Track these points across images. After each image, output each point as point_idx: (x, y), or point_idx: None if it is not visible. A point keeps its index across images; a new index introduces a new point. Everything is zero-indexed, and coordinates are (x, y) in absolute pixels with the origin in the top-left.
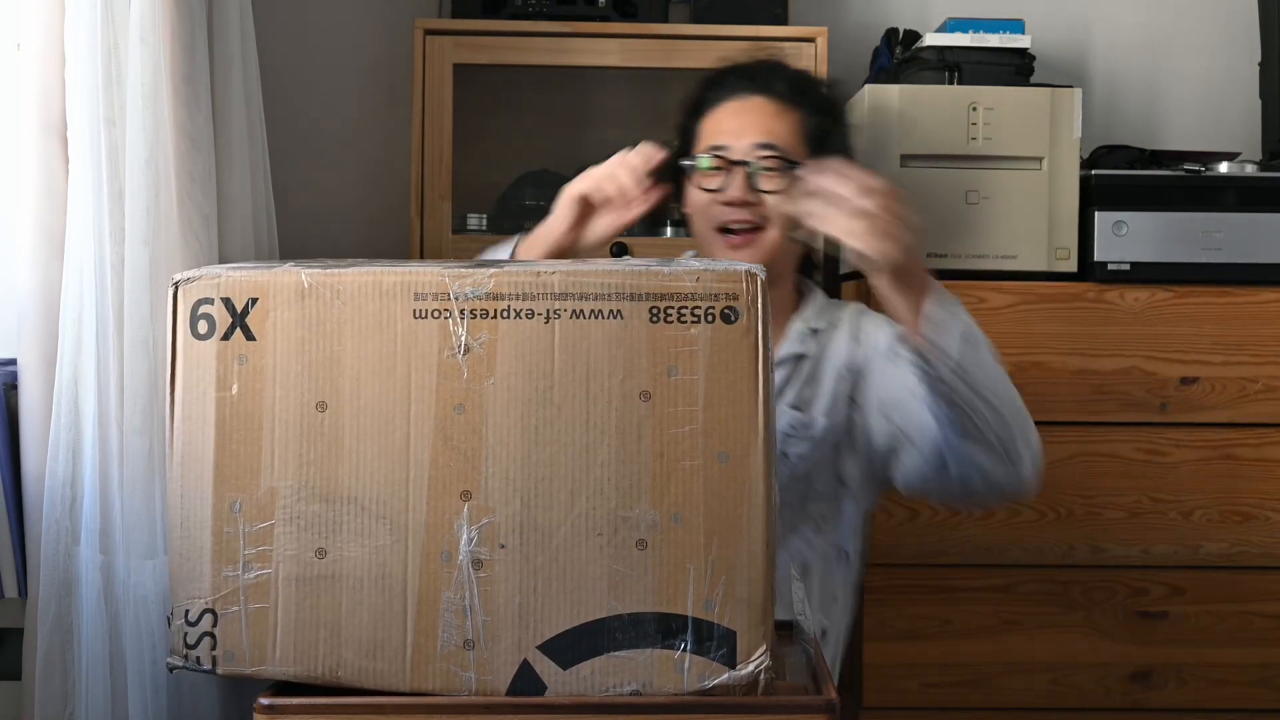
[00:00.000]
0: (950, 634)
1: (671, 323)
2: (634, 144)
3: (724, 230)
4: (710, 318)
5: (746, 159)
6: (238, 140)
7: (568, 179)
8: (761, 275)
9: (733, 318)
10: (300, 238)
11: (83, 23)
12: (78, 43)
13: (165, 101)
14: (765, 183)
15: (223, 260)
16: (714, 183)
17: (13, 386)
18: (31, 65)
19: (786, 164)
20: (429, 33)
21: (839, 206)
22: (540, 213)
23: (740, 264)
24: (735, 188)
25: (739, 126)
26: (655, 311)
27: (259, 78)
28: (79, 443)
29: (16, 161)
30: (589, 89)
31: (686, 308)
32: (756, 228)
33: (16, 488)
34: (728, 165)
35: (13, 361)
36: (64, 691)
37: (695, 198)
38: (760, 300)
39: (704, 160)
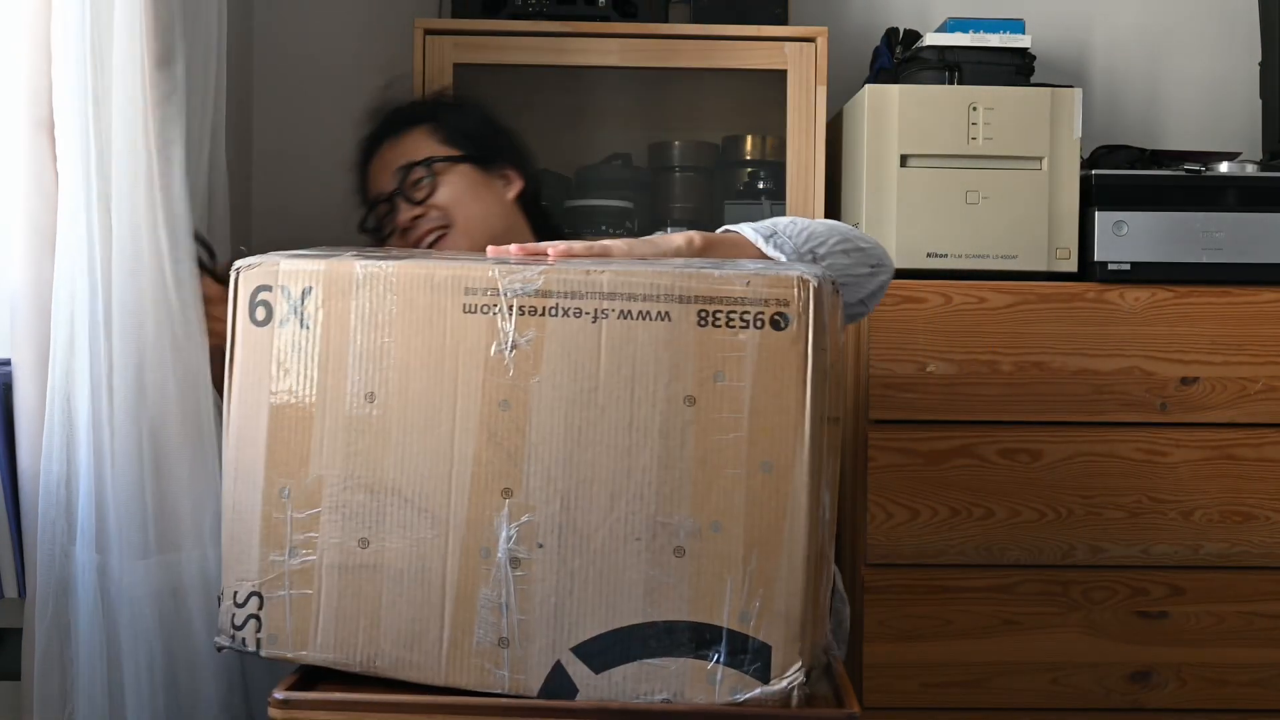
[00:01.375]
0: (950, 634)
1: (720, 327)
2: (635, 144)
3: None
4: (760, 323)
5: (401, 190)
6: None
7: (568, 179)
8: (814, 282)
9: (783, 324)
10: (301, 238)
11: (70, 17)
12: (66, 36)
13: (147, 96)
14: (416, 193)
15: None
16: (390, 226)
17: (8, 386)
18: (21, 61)
19: (422, 166)
20: (429, 33)
21: None
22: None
23: (793, 270)
24: (401, 215)
25: (379, 175)
26: (704, 315)
27: (225, 63)
28: (73, 442)
29: (7, 159)
30: (589, 89)
31: (735, 312)
32: (443, 229)
33: (13, 488)
34: (386, 204)
35: (7, 362)
36: (62, 691)
37: (394, 245)
38: (812, 308)
39: (370, 218)
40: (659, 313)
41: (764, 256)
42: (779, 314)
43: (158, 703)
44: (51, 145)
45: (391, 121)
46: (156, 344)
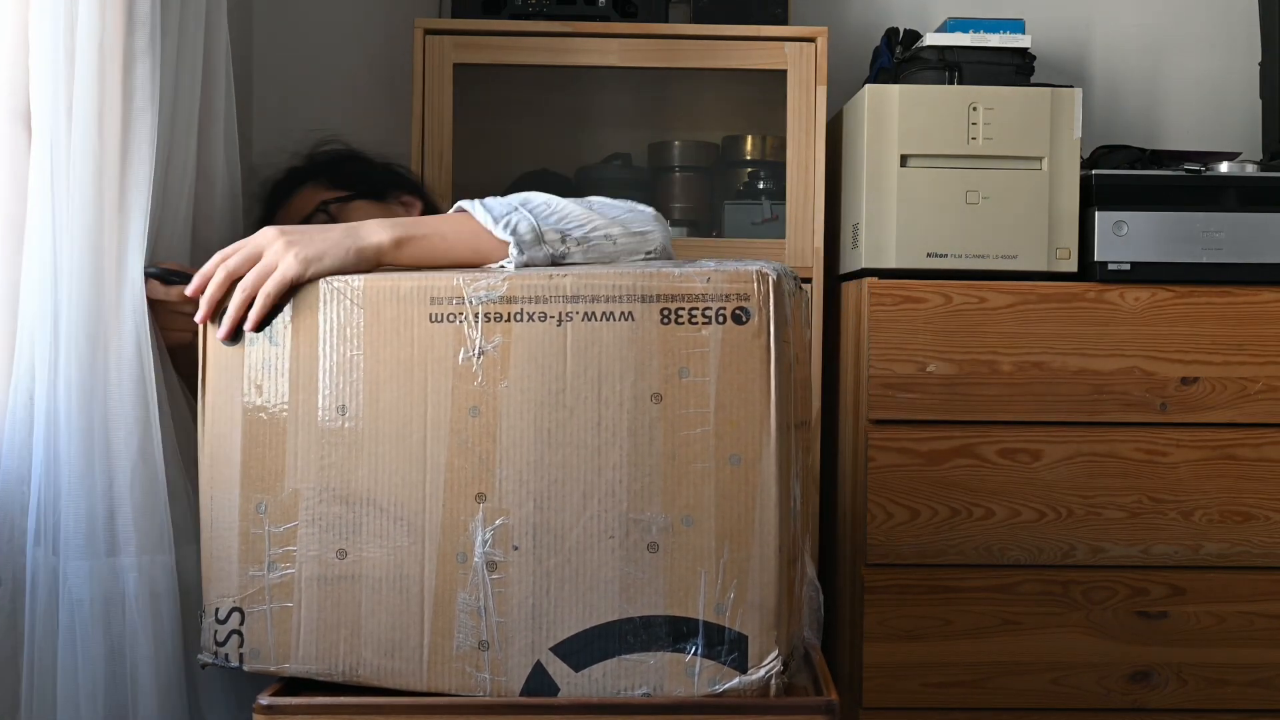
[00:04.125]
0: (950, 634)
1: (683, 324)
2: (635, 144)
3: None
4: (721, 319)
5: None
6: (216, 134)
7: (568, 179)
8: (773, 276)
9: (744, 318)
10: None
11: (45, 6)
12: (42, 28)
13: (109, 92)
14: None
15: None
16: None
17: None
18: None
19: (319, 212)
20: (429, 33)
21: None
22: None
23: (753, 264)
24: None
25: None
26: (666, 313)
27: (231, 69)
28: (32, 442)
29: None
30: (589, 89)
31: (698, 309)
32: None
33: None
34: None
35: None
36: (14, 696)
37: None
38: (772, 301)
39: None
40: (622, 313)
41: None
42: (740, 309)
43: (95, 710)
44: (28, 138)
45: (276, 193)
46: (106, 345)
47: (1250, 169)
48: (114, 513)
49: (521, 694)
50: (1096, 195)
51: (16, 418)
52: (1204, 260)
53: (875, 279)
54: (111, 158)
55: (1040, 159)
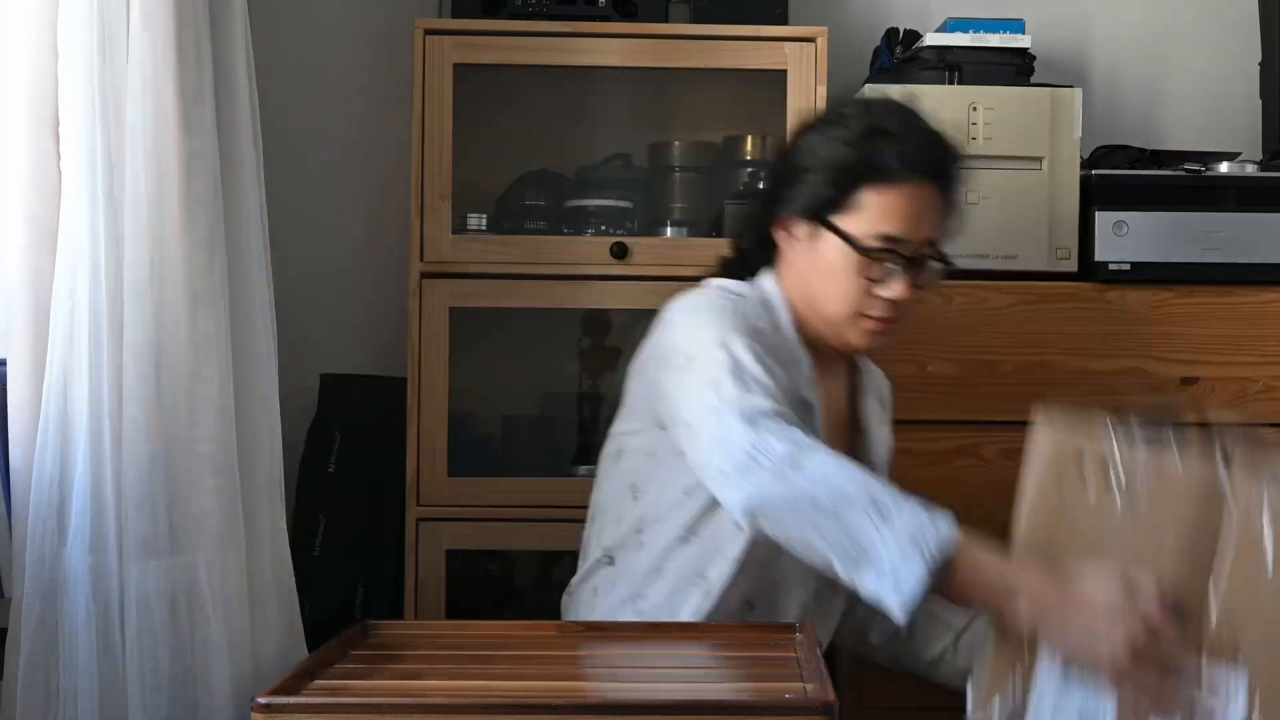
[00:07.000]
0: None
1: None
2: (635, 144)
3: (865, 315)
4: None
5: (917, 257)
6: (241, 137)
7: (568, 179)
8: None
9: None
10: (300, 238)
11: (79, 16)
12: (73, 36)
13: (168, 97)
14: (920, 276)
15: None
16: (877, 273)
17: (2, 386)
18: (25, 60)
19: (945, 265)
20: (429, 33)
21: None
22: (541, 213)
23: None
24: (902, 288)
25: (914, 218)
26: None
27: (254, 72)
28: (69, 443)
29: (7, 156)
30: (589, 89)
31: None
32: (893, 323)
33: (6, 488)
34: (903, 262)
35: (2, 361)
36: (46, 694)
37: (842, 268)
38: None
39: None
40: None
41: None
42: None
43: (161, 703)
44: (55, 143)
45: (948, 175)
46: (176, 347)
47: (1250, 169)
48: (187, 511)
49: None
50: (1096, 195)
51: (50, 420)
52: (1204, 260)
53: None
54: (172, 159)
55: (1040, 159)
